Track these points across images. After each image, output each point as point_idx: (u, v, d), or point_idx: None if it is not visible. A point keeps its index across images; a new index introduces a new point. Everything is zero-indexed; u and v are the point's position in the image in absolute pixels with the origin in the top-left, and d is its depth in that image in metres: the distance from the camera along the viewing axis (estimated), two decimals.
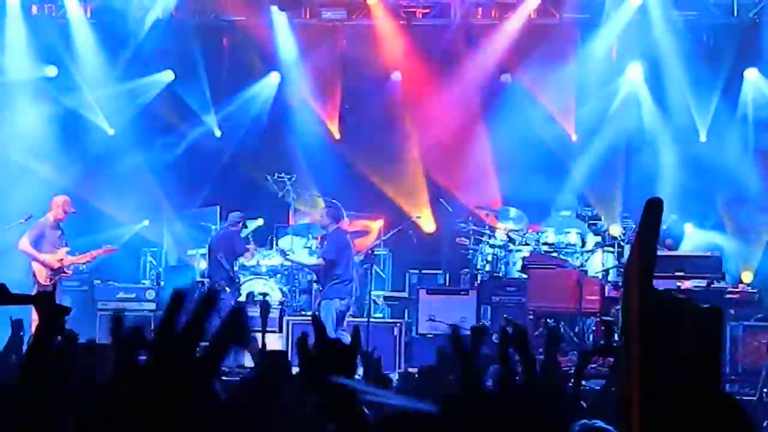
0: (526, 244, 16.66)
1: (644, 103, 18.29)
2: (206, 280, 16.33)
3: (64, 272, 15.57)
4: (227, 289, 15.58)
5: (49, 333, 4.03)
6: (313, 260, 16.01)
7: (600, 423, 4.92)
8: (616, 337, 13.23)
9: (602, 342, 13.33)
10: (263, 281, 16.47)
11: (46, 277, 15.34)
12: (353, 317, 16.05)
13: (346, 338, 14.73)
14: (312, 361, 2.86)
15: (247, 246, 16.04)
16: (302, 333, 3.12)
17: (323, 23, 18.70)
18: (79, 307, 16.24)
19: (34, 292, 15.16)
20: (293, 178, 17.42)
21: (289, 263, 16.54)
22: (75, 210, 15.68)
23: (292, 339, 15.31)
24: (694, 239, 17.02)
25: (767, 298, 15.10)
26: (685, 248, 16.38)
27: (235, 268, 15.94)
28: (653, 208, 2.48)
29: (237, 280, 15.97)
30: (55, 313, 4.07)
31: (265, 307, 12.98)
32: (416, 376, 9.93)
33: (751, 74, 17.86)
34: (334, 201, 17.40)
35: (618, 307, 14.88)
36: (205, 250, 16.79)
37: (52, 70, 18.45)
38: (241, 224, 15.98)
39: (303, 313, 16.26)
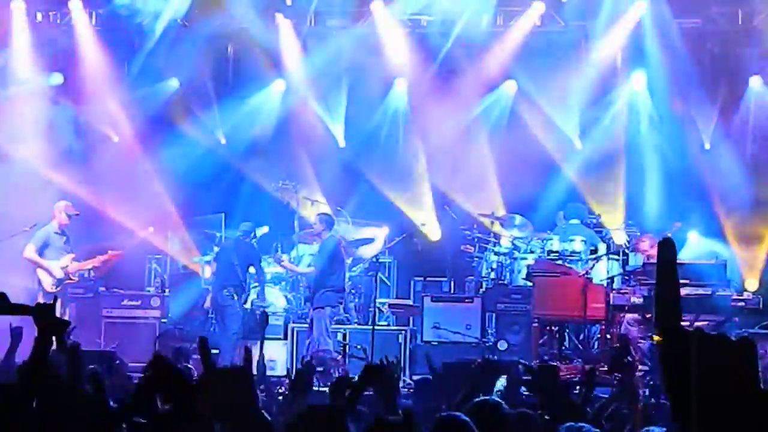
0: (531, 252, 16.65)
1: (647, 111, 18.29)
2: (210, 287, 16.33)
3: (70, 279, 15.62)
4: (235, 296, 15.58)
5: (47, 344, 4.03)
6: (306, 268, 16.02)
7: (588, 426, 4.95)
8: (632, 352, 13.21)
9: (614, 356, 13.28)
10: (268, 288, 16.47)
11: (52, 284, 15.39)
12: (359, 325, 16.08)
13: (329, 344, 14.84)
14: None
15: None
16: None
17: (328, 31, 18.71)
18: (85, 314, 16.28)
19: (39, 300, 15.23)
20: (298, 186, 17.42)
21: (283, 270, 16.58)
22: (78, 212, 15.71)
23: (298, 346, 15.33)
24: (695, 247, 17.02)
25: None
26: (685, 256, 16.34)
27: (247, 278, 15.98)
28: (666, 248, 2.51)
29: (246, 289, 15.98)
30: (54, 325, 4.08)
31: (264, 317, 13.11)
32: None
33: (755, 82, 17.87)
34: (339, 208, 17.45)
35: (623, 315, 14.89)
36: (210, 257, 16.81)
37: (58, 78, 18.49)
38: (252, 234, 16.01)
39: (308, 320, 16.26)
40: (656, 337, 2.79)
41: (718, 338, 2.44)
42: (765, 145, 17.68)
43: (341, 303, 15.66)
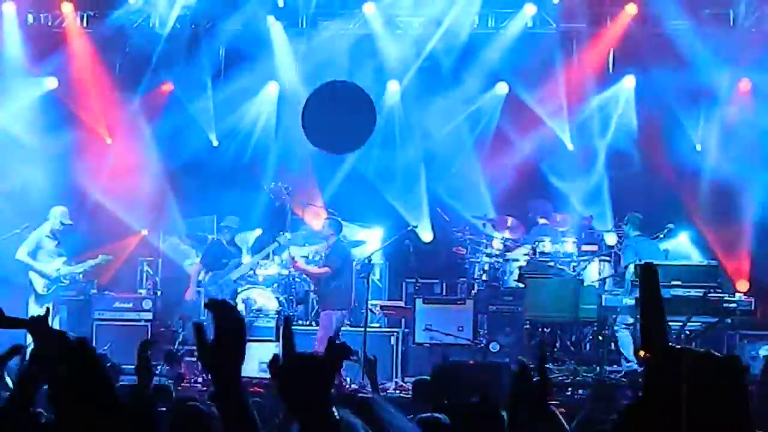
0: (524, 254, 16.67)
1: (639, 113, 18.32)
2: (202, 290, 16.31)
3: (61, 282, 15.60)
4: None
5: (42, 357, 4.01)
6: (319, 269, 15.82)
7: None
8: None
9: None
10: (260, 290, 16.45)
11: (44, 287, 15.38)
12: (351, 326, 16.04)
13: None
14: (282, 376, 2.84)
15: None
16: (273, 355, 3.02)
17: (320, 32, 18.68)
18: (76, 316, 16.28)
19: (31, 302, 15.26)
20: (290, 188, 17.40)
21: (295, 271, 16.51)
22: (72, 222, 15.70)
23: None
24: (687, 248, 17.05)
25: (763, 307, 15.10)
26: (678, 257, 16.36)
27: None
28: (648, 272, 2.55)
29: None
30: (50, 337, 4.06)
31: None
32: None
33: (744, 84, 17.89)
34: (330, 210, 17.43)
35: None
36: (197, 260, 16.82)
37: (51, 81, 18.45)
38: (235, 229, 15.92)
39: (300, 322, 16.25)
40: (642, 352, 2.82)
41: (706, 357, 2.46)
42: (750, 146, 17.72)
43: (349, 306, 15.59)
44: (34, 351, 4.11)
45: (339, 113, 12.07)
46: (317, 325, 16.00)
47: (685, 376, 2.41)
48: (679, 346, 2.41)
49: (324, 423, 2.74)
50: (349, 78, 18.42)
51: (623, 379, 14.15)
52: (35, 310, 15.25)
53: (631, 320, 14.66)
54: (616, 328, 14.72)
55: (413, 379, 10.96)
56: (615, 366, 14.74)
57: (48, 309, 5.81)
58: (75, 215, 16.05)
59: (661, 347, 2.50)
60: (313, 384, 2.76)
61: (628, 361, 14.54)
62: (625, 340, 14.68)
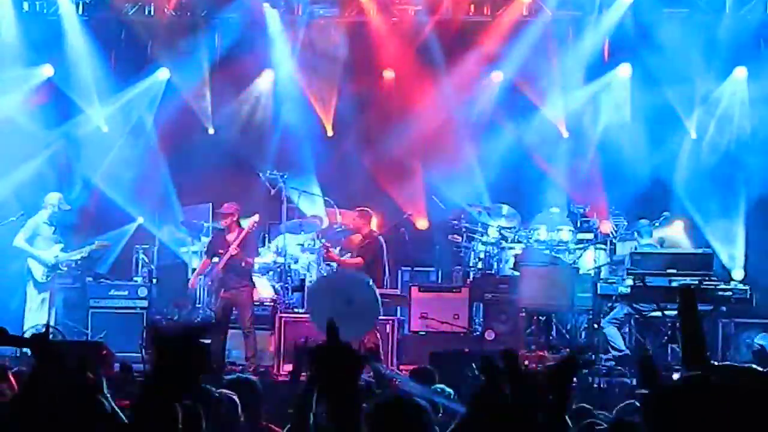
0: (519, 242, 16.69)
1: (633, 101, 18.32)
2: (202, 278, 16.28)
3: (59, 269, 15.64)
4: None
5: (44, 374, 4.03)
6: (352, 260, 15.65)
7: None
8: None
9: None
10: (255, 278, 16.44)
11: (42, 274, 15.43)
12: None
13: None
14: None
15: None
16: (305, 338, 3.17)
17: (316, 20, 18.68)
18: (72, 304, 16.30)
19: (30, 289, 15.33)
20: (285, 176, 17.38)
21: (292, 261, 16.43)
22: (70, 207, 15.73)
23: (285, 337, 15.28)
24: (682, 237, 17.07)
25: (758, 296, 15.14)
26: (673, 245, 16.39)
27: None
28: (687, 294, 2.61)
29: None
30: (51, 354, 4.08)
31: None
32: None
33: (740, 72, 17.90)
34: (327, 199, 17.45)
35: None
36: (197, 248, 16.81)
37: (48, 69, 18.41)
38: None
39: (295, 310, 16.24)
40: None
41: (749, 372, 2.52)
42: (742, 135, 17.75)
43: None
44: (34, 370, 4.11)
45: (342, 303, 12.95)
46: None
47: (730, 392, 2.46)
48: (719, 364, 2.51)
49: (353, 402, 2.93)
50: (345, 67, 18.47)
51: (618, 367, 14.21)
52: (34, 296, 15.31)
53: (622, 315, 14.73)
54: (603, 324, 14.75)
55: (411, 367, 10.98)
56: (609, 354, 14.78)
57: (48, 324, 5.83)
58: (71, 203, 16.07)
59: (702, 366, 2.57)
60: (350, 369, 2.94)
61: (619, 351, 14.59)
62: (613, 333, 14.73)
